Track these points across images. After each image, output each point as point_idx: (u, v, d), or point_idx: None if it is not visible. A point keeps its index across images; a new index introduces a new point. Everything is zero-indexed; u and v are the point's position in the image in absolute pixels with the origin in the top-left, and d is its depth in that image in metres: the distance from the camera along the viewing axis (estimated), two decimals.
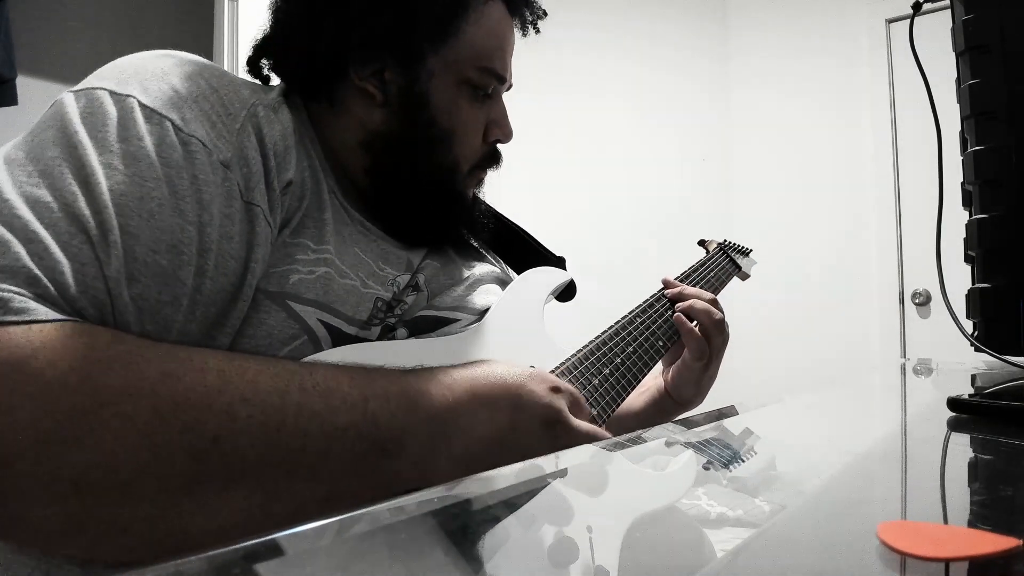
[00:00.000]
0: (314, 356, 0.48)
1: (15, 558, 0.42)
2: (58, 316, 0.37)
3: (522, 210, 0.93)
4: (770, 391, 0.62)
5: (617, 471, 0.39)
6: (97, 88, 0.45)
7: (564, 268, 0.73)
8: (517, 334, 0.62)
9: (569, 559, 0.26)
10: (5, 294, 0.36)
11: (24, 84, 1.88)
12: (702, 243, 1.03)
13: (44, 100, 0.47)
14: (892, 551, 0.22)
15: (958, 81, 0.56)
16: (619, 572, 0.26)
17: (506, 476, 0.34)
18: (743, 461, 0.43)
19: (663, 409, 0.80)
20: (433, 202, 0.62)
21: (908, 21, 0.64)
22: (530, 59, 0.70)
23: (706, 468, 0.42)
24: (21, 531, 0.37)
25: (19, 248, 0.37)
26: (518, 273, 0.71)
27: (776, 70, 2.72)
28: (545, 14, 0.68)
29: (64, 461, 0.34)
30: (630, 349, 0.68)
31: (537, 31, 0.68)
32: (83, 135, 0.42)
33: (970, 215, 0.55)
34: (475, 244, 0.73)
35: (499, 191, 0.78)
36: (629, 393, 0.65)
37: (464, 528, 0.27)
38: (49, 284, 0.38)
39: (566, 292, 0.72)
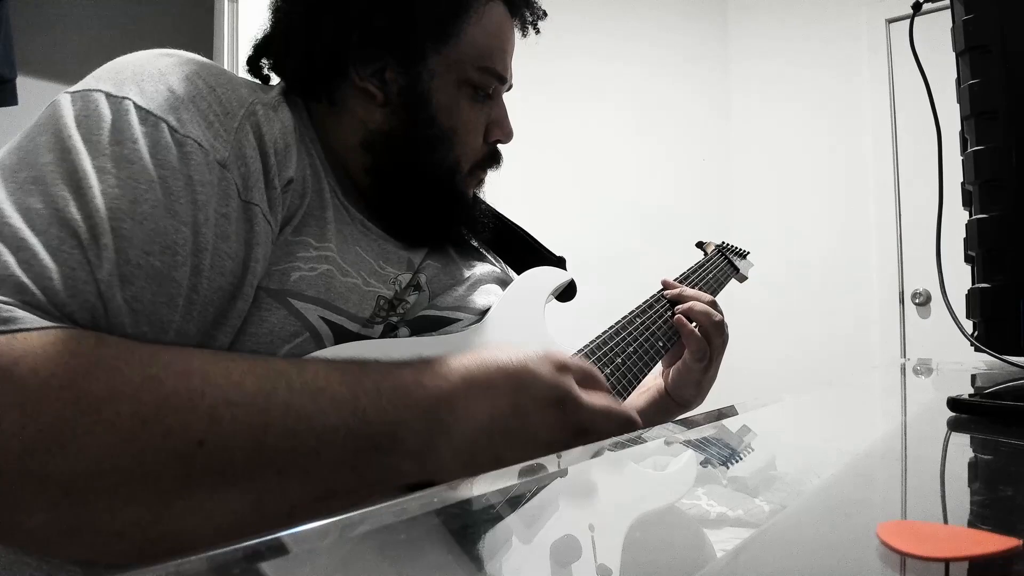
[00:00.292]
0: (313, 353, 0.48)
1: (17, 559, 0.42)
2: (44, 323, 0.37)
3: (522, 210, 0.93)
4: (770, 391, 0.62)
5: (617, 471, 0.39)
6: (94, 90, 0.45)
7: (565, 268, 0.73)
8: (518, 334, 0.62)
9: (571, 558, 0.26)
10: None
11: (24, 84, 1.88)
12: (700, 245, 1.03)
13: (44, 100, 0.47)
14: (892, 551, 0.22)
15: (958, 81, 0.56)
16: (620, 571, 0.26)
17: (508, 475, 0.34)
18: (742, 460, 0.43)
19: (663, 409, 0.80)
20: (433, 202, 0.62)
21: (908, 21, 0.64)
22: (532, 62, 0.70)
23: (705, 466, 0.42)
24: (20, 537, 0.37)
25: (8, 256, 0.37)
26: (518, 273, 0.71)
27: (776, 70, 2.72)
28: (545, 14, 0.68)
29: (52, 468, 0.34)
30: (630, 349, 0.68)
31: (537, 31, 0.68)
32: (76, 139, 0.42)
33: (970, 215, 0.55)
34: (475, 244, 0.73)
35: (499, 191, 0.78)
36: (629, 393, 0.65)
37: (466, 528, 0.27)
38: (37, 291, 0.38)
39: (567, 292, 0.72)
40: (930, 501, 0.32)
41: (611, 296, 1.10)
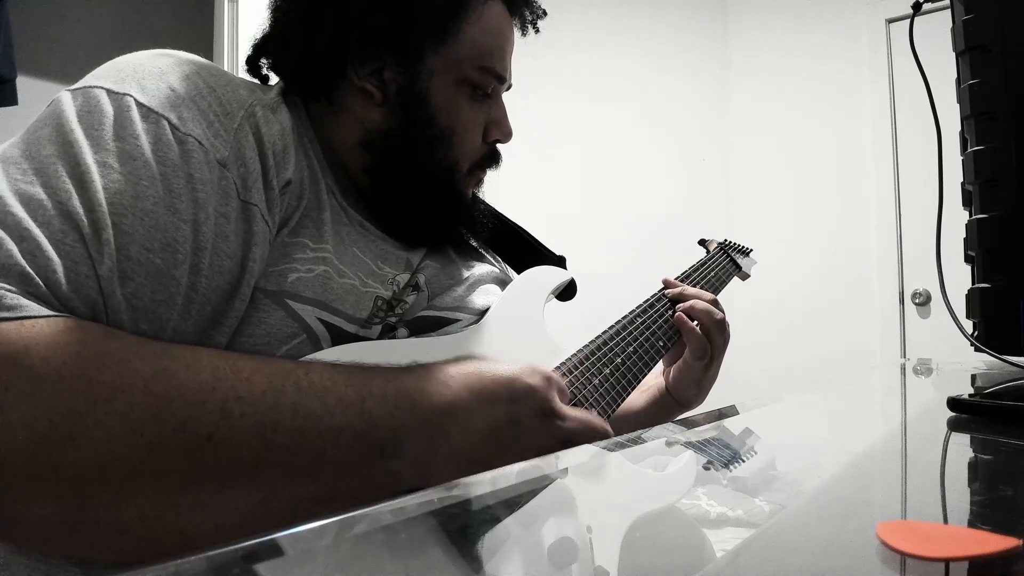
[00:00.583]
0: (312, 355, 0.48)
1: (15, 559, 0.42)
2: (50, 312, 0.37)
3: (522, 210, 0.93)
4: (770, 391, 0.62)
5: (617, 471, 0.39)
6: (94, 87, 0.45)
7: (564, 267, 0.73)
8: (518, 333, 0.62)
9: (569, 559, 0.26)
10: None
11: (24, 84, 1.88)
12: (702, 243, 1.03)
13: (44, 100, 0.47)
14: (892, 551, 0.22)
15: (958, 81, 0.56)
16: (619, 572, 0.26)
17: (506, 476, 0.34)
18: (743, 461, 0.43)
19: (664, 409, 0.80)
20: (432, 201, 0.62)
21: (908, 21, 0.64)
22: (531, 60, 0.70)
23: (706, 468, 0.42)
24: (20, 532, 0.37)
25: (11, 246, 0.37)
26: (518, 273, 0.71)
27: (776, 70, 2.72)
28: (545, 14, 0.68)
29: (60, 459, 0.34)
30: (631, 349, 0.68)
31: (537, 31, 0.68)
32: (79, 133, 0.42)
33: (970, 215, 0.55)
34: (475, 244, 0.73)
35: (499, 191, 0.78)
36: (630, 393, 0.65)
37: (464, 528, 0.27)
38: (41, 282, 0.38)
39: (567, 291, 0.72)
40: (930, 501, 0.32)
41: (611, 295, 1.10)
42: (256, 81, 0.62)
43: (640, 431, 0.45)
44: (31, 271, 0.37)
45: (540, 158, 2.36)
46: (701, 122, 2.79)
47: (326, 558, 0.23)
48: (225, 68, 0.52)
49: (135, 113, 0.44)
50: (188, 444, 0.37)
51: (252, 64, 0.64)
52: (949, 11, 0.56)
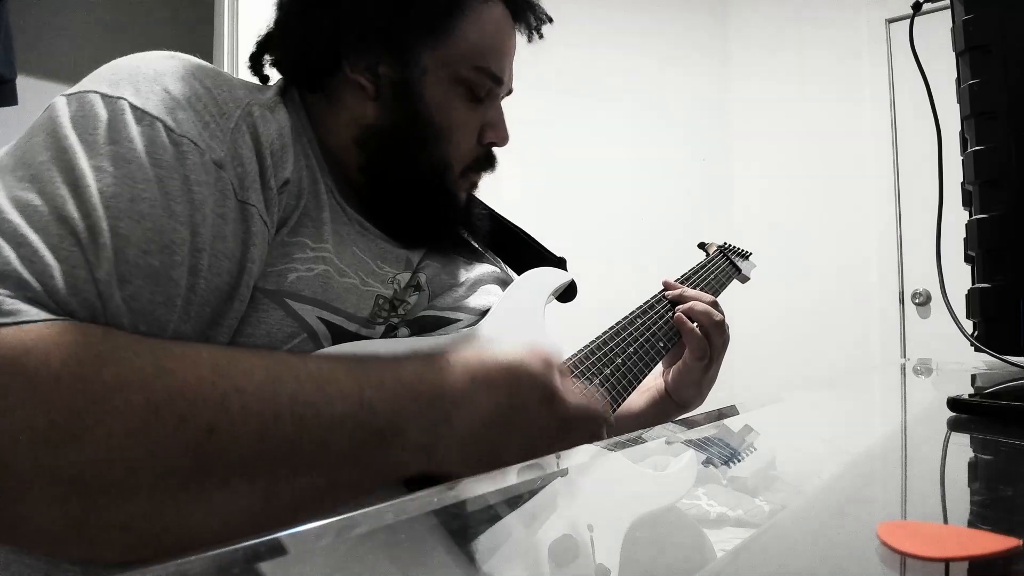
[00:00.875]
0: (313, 353, 0.48)
1: (15, 559, 0.42)
2: (49, 316, 0.37)
3: (522, 210, 0.93)
4: (770, 391, 0.62)
5: (617, 471, 0.39)
6: (89, 91, 0.45)
7: (565, 268, 0.73)
8: (518, 334, 0.62)
9: (570, 558, 0.26)
10: None
11: (24, 84, 1.88)
12: (702, 246, 1.03)
13: (44, 100, 0.47)
14: (892, 551, 0.22)
15: (958, 81, 0.56)
16: (619, 572, 0.26)
17: (506, 475, 0.34)
18: (743, 460, 0.43)
19: (663, 410, 0.80)
20: (425, 201, 0.61)
21: (908, 21, 0.64)
22: (529, 57, 0.70)
23: (706, 465, 0.42)
24: (24, 535, 0.37)
25: (8, 252, 0.37)
26: (518, 274, 0.71)
27: (776, 70, 2.72)
28: (550, 20, 0.68)
29: (63, 460, 0.34)
30: (631, 350, 0.68)
31: (540, 36, 0.67)
32: (73, 139, 0.42)
33: (970, 215, 0.55)
34: (475, 244, 0.73)
35: (499, 191, 0.78)
36: (630, 393, 0.65)
37: (465, 528, 0.27)
38: (39, 287, 0.38)
39: (567, 293, 0.72)
40: (930, 501, 0.32)
41: (612, 297, 1.10)
42: (255, 81, 0.62)
43: (640, 431, 0.45)
44: (29, 276, 0.37)
45: (540, 158, 2.36)
46: (701, 123, 2.79)
47: (328, 558, 0.23)
48: (225, 68, 0.52)
49: (129, 116, 0.44)
50: (189, 439, 0.37)
51: (255, 61, 0.64)
52: (949, 11, 0.56)
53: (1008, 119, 0.52)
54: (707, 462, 0.43)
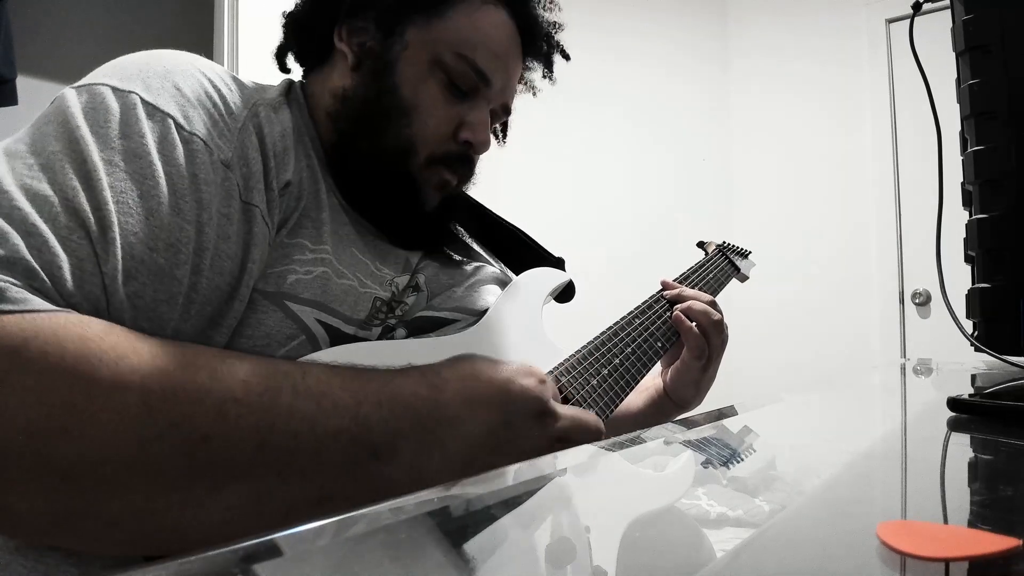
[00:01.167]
0: (310, 356, 0.48)
1: (13, 558, 0.42)
2: (53, 307, 0.37)
3: (521, 211, 0.93)
4: (770, 391, 0.62)
5: (616, 471, 0.39)
6: (100, 84, 0.45)
7: (563, 269, 0.73)
8: (516, 334, 0.62)
9: (567, 559, 0.26)
10: (1, 284, 0.36)
11: (24, 84, 1.88)
12: (701, 245, 1.03)
13: (44, 100, 0.47)
14: (892, 551, 0.22)
15: (958, 81, 0.56)
16: (617, 572, 0.26)
17: (504, 476, 0.34)
18: (742, 460, 0.43)
19: (662, 410, 0.80)
20: (386, 183, 0.59)
21: (908, 21, 0.64)
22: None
23: (705, 466, 0.42)
24: (9, 522, 0.37)
25: (17, 240, 0.37)
26: (517, 274, 0.71)
27: (776, 70, 2.73)
28: (567, 57, 0.69)
29: (54, 452, 0.34)
30: (629, 350, 0.68)
31: (550, 72, 0.69)
32: (85, 130, 0.42)
33: (970, 215, 0.55)
34: (474, 245, 0.73)
35: (498, 192, 0.78)
36: (628, 394, 0.65)
37: (462, 528, 0.27)
38: (46, 278, 0.38)
39: (565, 293, 0.72)
40: (930, 501, 0.32)
41: (610, 297, 1.10)
42: (260, 81, 0.63)
43: (639, 431, 0.45)
44: (37, 266, 0.37)
45: (540, 159, 2.36)
46: (701, 122, 2.79)
47: (325, 558, 0.23)
48: (225, 68, 0.52)
49: (141, 111, 0.44)
50: (183, 443, 0.37)
51: (280, 52, 0.65)
52: (949, 11, 0.56)
53: (1008, 119, 0.51)
54: (706, 463, 0.43)
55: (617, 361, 0.66)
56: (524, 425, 0.49)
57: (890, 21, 2.49)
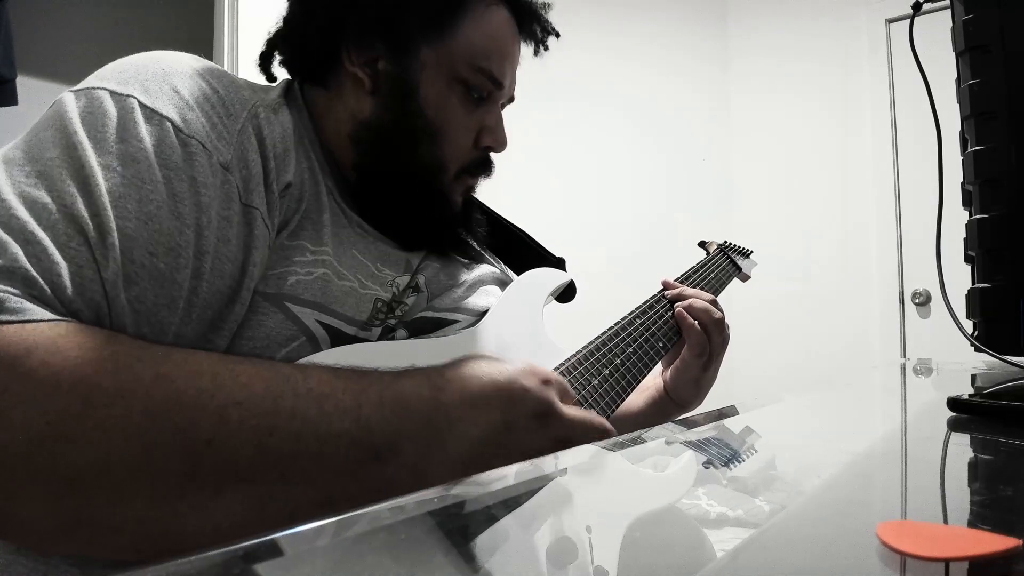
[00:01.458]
0: (311, 357, 0.48)
1: (14, 559, 0.42)
2: (53, 316, 0.37)
3: (522, 211, 0.93)
4: (770, 391, 0.62)
5: (617, 471, 0.39)
6: (98, 88, 0.45)
7: (564, 269, 0.73)
8: (517, 335, 0.62)
9: (568, 559, 0.26)
10: (1, 294, 0.36)
11: (24, 84, 1.88)
12: (702, 244, 1.03)
13: (44, 100, 0.47)
14: (892, 551, 0.22)
15: (958, 81, 0.56)
16: (618, 572, 0.26)
17: (505, 476, 0.34)
18: (743, 460, 0.43)
19: (662, 410, 0.80)
20: (418, 202, 0.60)
21: (908, 21, 0.64)
22: (530, 61, 0.70)
23: (706, 466, 0.42)
24: (15, 530, 0.37)
25: (16, 249, 0.37)
26: (518, 274, 0.71)
27: (776, 70, 2.72)
28: (556, 34, 0.68)
29: (58, 461, 0.34)
30: (630, 350, 0.68)
31: (546, 48, 0.68)
32: (82, 135, 0.42)
33: (970, 215, 0.55)
34: (475, 245, 0.73)
35: (499, 192, 0.78)
36: (629, 393, 0.65)
37: (463, 528, 0.27)
38: (46, 286, 0.38)
39: (566, 293, 0.72)
40: (930, 501, 0.32)
41: (611, 297, 1.10)
42: (259, 81, 0.62)
43: (640, 431, 0.45)
44: (36, 275, 0.37)
45: (540, 159, 2.36)
46: (701, 122, 2.79)
47: (325, 558, 0.23)
48: (225, 68, 0.52)
49: (138, 115, 0.44)
50: (186, 449, 0.37)
51: (264, 60, 0.64)
52: (949, 11, 0.56)
53: (1008, 119, 0.51)
54: (707, 463, 0.43)
55: (618, 361, 0.66)
56: (524, 426, 0.49)
57: (890, 21, 2.48)
